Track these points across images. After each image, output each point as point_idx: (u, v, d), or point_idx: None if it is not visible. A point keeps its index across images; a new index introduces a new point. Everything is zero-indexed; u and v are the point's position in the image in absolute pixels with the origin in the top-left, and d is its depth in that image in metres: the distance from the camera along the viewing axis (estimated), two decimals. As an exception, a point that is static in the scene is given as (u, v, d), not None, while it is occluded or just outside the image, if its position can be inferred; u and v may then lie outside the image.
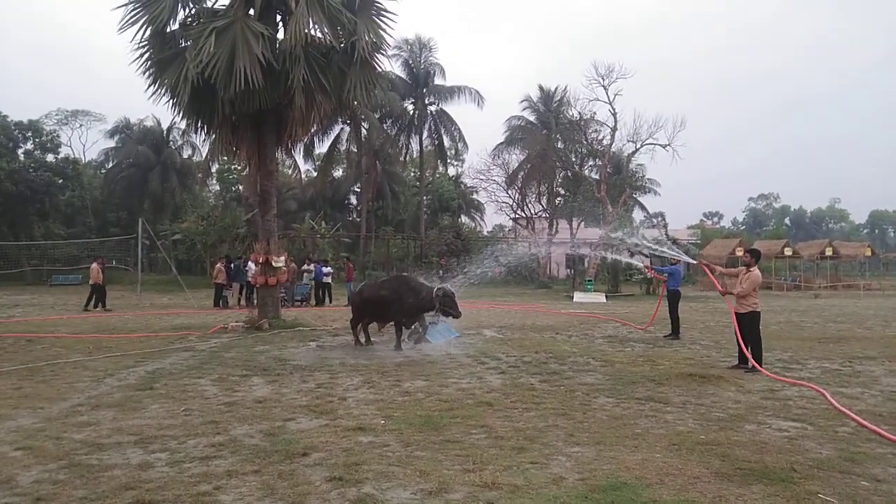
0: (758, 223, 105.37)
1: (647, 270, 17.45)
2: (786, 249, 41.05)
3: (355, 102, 15.38)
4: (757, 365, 9.16)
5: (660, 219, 60.34)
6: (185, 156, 49.92)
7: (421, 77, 47.07)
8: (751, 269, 9.55)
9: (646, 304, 25.96)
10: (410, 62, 46.77)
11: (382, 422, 6.25)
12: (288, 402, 7.16)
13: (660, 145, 34.52)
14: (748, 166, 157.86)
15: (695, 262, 9.01)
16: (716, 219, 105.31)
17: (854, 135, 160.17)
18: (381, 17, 14.30)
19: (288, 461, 4.98)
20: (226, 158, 40.95)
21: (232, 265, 23.15)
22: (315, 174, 50.69)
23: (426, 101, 47.94)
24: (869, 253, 45.16)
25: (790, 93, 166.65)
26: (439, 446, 5.43)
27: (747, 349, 9.35)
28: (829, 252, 41.77)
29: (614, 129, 34.88)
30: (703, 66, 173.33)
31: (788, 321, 17.43)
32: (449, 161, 55.17)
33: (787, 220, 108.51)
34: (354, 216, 55.34)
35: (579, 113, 38.01)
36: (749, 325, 9.45)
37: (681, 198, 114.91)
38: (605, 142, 36.84)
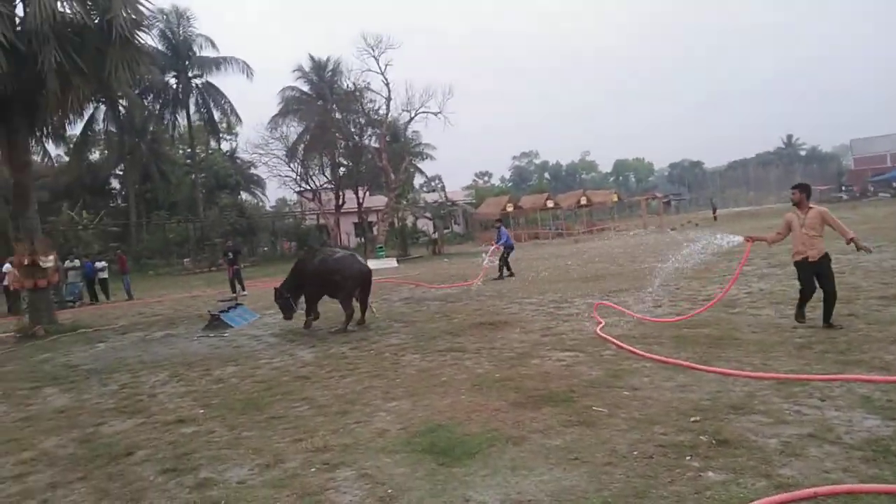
0: (522, 179, 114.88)
1: (493, 246, 18.69)
2: (548, 202, 45.56)
3: (118, 82, 14.17)
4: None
5: (437, 182, 63.16)
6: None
7: (182, 49, 44.08)
8: (809, 208, 7.62)
9: (434, 264, 27.53)
10: (168, 33, 43.54)
11: (202, 411, 6.30)
12: (93, 407, 6.85)
13: (432, 113, 36.09)
14: (513, 124, 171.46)
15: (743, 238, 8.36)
16: (486, 178, 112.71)
17: (599, 97, 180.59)
18: (138, -10, 13.32)
19: (114, 463, 4.93)
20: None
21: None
22: (68, 160, 45.40)
23: (190, 74, 45.10)
24: (616, 199, 51.98)
25: (538, 62, 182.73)
26: (265, 424, 5.68)
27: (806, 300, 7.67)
28: (583, 201, 47.20)
29: (388, 99, 35.79)
30: (471, 36, 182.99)
31: (555, 266, 19.73)
32: (222, 136, 52.59)
33: (546, 175, 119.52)
34: (119, 202, 50.67)
35: (353, 83, 38.33)
36: (828, 270, 7.54)
37: (455, 160, 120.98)
38: (381, 111, 37.65)
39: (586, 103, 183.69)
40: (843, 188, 59.91)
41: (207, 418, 6.03)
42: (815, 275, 7.52)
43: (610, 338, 7.86)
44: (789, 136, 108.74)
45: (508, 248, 17.78)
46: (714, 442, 4.28)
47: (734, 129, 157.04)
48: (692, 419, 4.77)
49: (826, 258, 7.50)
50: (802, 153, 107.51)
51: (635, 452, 4.24)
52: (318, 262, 11.01)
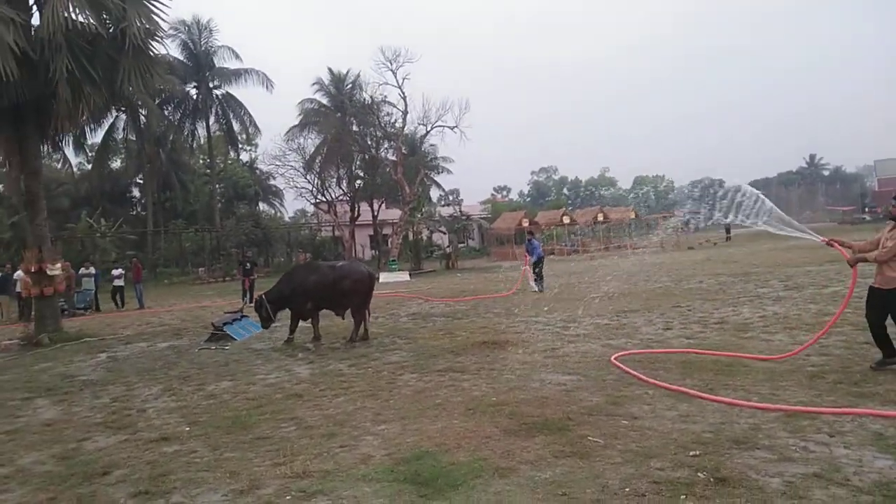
0: (541, 194, 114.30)
1: (524, 258, 19.55)
2: (564, 217, 45.24)
3: (131, 90, 14.22)
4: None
5: (454, 196, 63.15)
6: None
7: (203, 59, 44.58)
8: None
9: (448, 279, 27.32)
10: (190, 44, 44.08)
11: (187, 429, 6.13)
12: (80, 421, 6.71)
13: (448, 127, 36.02)
14: (534, 139, 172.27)
15: (820, 239, 6.79)
16: (504, 192, 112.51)
17: (620, 104, 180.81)
18: (153, 2, 13.36)
19: (87, 483, 4.77)
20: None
21: (-4, 276, 20.48)
22: (89, 167, 45.98)
23: (210, 85, 45.57)
24: (633, 216, 51.44)
25: (556, 71, 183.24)
26: (249, 445, 5.49)
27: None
28: (600, 217, 46.83)
29: (405, 112, 35.77)
30: (487, 53, 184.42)
31: (567, 283, 19.41)
32: (241, 146, 52.98)
33: (565, 190, 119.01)
34: (138, 210, 51.20)
35: (371, 96, 38.41)
36: None
37: (472, 174, 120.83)
38: (397, 124, 37.66)
39: (609, 119, 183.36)
40: (867, 209, 58.92)
41: (191, 436, 5.86)
42: (884, 308, 6.30)
43: (623, 366, 7.38)
44: (812, 156, 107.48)
45: (539, 260, 18.16)
46: (712, 480, 4.01)
47: (756, 147, 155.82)
48: (691, 453, 4.50)
49: None
50: (826, 173, 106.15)
51: (627, 489, 3.98)
52: (324, 271, 10.93)
